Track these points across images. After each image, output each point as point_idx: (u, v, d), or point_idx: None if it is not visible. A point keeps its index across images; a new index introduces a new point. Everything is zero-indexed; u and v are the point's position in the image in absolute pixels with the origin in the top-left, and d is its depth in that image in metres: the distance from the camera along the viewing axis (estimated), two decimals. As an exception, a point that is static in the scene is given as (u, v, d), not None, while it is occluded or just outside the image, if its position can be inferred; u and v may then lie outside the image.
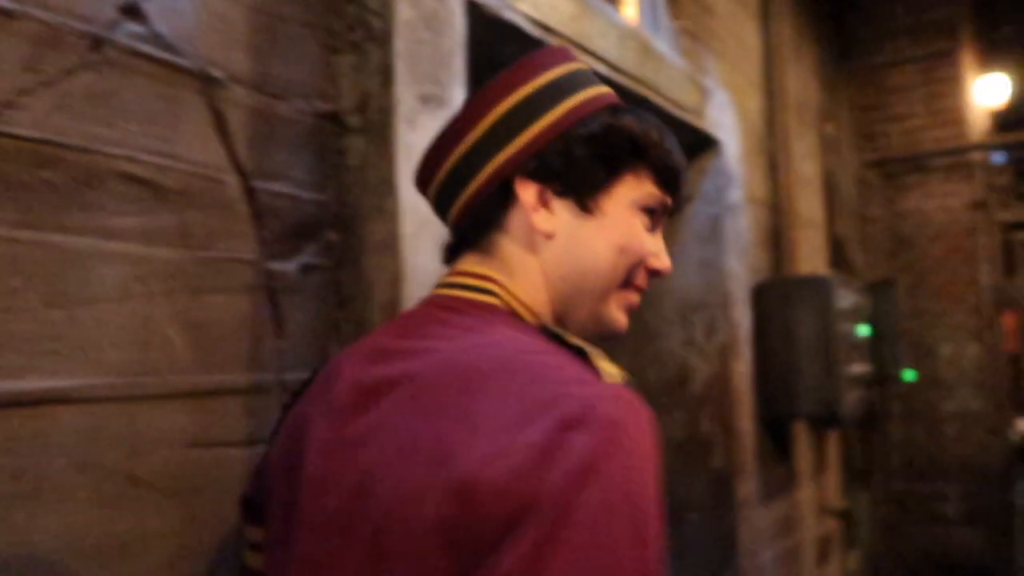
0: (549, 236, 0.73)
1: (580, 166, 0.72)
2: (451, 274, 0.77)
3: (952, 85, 3.86)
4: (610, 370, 0.63)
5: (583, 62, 0.80)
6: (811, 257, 3.18)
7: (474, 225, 0.76)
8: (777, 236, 2.94)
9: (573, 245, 0.74)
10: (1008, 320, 3.53)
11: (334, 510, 0.63)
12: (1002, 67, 4.28)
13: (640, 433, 0.54)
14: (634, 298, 0.79)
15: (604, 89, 0.78)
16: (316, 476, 0.66)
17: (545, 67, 0.75)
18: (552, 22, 1.62)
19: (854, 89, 4.00)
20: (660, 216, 0.78)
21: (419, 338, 0.69)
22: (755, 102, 3.04)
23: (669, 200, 0.78)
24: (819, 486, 3.11)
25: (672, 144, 0.76)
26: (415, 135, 1.25)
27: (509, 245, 0.75)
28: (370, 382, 0.67)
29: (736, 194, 2.45)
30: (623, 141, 0.73)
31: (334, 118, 1.24)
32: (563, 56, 0.77)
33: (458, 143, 0.74)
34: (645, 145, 0.74)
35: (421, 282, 1.25)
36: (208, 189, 1.05)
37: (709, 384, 2.36)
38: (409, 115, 1.25)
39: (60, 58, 0.89)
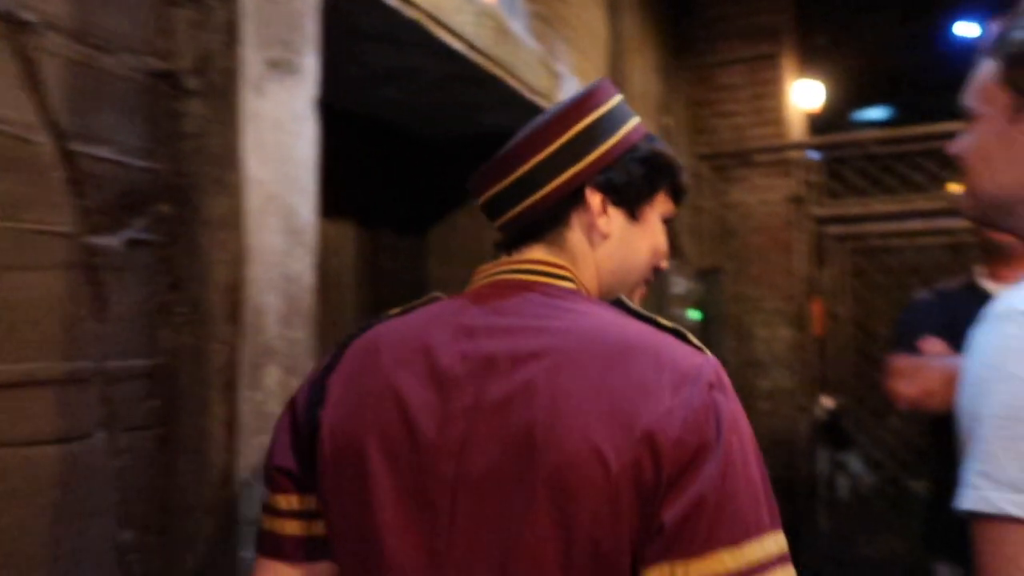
0: (606, 236, 0.89)
1: (636, 182, 0.90)
2: (521, 261, 0.89)
3: (774, 87, 4.14)
4: (699, 344, 0.80)
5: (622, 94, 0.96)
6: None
7: (543, 222, 0.89)
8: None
9: (622, 245, 0.91)
10: (816, 307, 3.85)
11: (495, 464, 0.74)
12: (817, 74, 4.65)
13: (732, 388, 0.77)
14: (645, 289, 0.97)
15: (638, 118, 0.94)
16: (456, 440, 0.76)
17: (607, 97, 0.90)
18: (410, -7, 1.55)
19: (689, 85, 4.20)
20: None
21: (529, 317, 0.81)
22: (601, 91, 3.10)
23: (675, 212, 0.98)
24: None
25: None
26: (262, 102, 1.16)
27: (575, 241, 0.89)
28: (494, 355, 0.78)
29: (583, 180, 2.49)
30: (664, 165, 0.92)
31: (169, 78, 1.12)
32: (614, 90, 0.93)
33: (535, 154, 0.87)
34: (674, 168, 0.94)
35: (267, 262, 1.16)
36: (15, 150, 0.91)
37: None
38: (256, 80, 1.15)
39: None
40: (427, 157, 2.59)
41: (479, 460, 0.75)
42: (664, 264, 0.97)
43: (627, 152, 0.89)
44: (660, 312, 2.85)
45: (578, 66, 2.77)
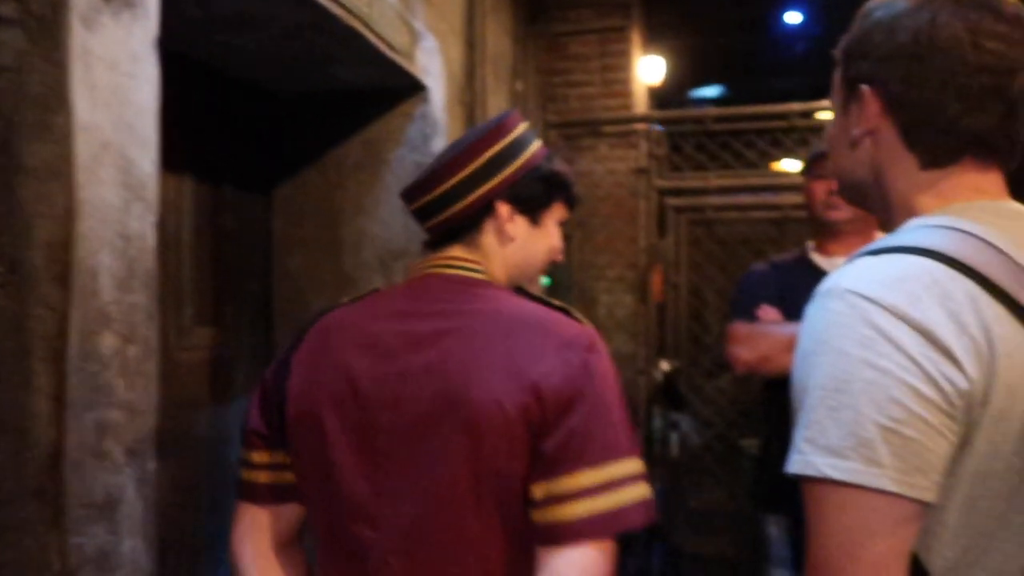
0: (512, 239, 1.13)
1: (537, 195, 1.14)
2: (444, 258, 1.12)
3: (622, 59, 4.24)
4: (581, 317, 1.05)
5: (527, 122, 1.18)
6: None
7: (462, 227, 1.11)
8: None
9: (525, 245, 1.15)
10: (657, 275, 4.03)
11: (422, 414, 0.97)
12: (659, 50, 4.82)
13: (605, 351, 1.01)
14: (542, 279, 1.14)
15: (540, 142, 1.17)
16: (391, 397, 0.99)
17: (514, 126, 1.12)
18: (262, -70, 1.43)
19: (541, 52, 4.21)
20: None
21: (449, 302, 1.05)
22: (456, 51, 3.05)
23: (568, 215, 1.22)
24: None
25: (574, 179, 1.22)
26: (95, 39, 1.03)
27: (488, 242, 1.12)
28: (420, 331, 1.02)
29: (441, 142, 2.45)
30: (560, 181, 1.17)
31: (-21, 2, 0.97)
32: (521, 119, 1.15)
33: (455, 174, 1.08)
34: (567, 184, 1.18)
35: (101, 219, 1.04)
36: None
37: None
38: (87, 12, 1.02)
39: None
40: (276, 111, 2.44)
41: (409, 412, 0.98)
42: (559, 258, 1.21)
43: (530, 171, 1.12)
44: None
45: (435, 26, 2.70)
